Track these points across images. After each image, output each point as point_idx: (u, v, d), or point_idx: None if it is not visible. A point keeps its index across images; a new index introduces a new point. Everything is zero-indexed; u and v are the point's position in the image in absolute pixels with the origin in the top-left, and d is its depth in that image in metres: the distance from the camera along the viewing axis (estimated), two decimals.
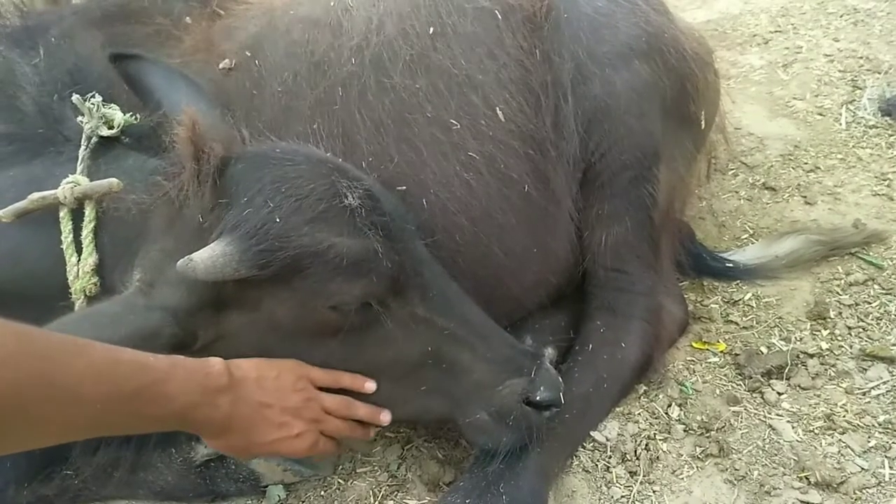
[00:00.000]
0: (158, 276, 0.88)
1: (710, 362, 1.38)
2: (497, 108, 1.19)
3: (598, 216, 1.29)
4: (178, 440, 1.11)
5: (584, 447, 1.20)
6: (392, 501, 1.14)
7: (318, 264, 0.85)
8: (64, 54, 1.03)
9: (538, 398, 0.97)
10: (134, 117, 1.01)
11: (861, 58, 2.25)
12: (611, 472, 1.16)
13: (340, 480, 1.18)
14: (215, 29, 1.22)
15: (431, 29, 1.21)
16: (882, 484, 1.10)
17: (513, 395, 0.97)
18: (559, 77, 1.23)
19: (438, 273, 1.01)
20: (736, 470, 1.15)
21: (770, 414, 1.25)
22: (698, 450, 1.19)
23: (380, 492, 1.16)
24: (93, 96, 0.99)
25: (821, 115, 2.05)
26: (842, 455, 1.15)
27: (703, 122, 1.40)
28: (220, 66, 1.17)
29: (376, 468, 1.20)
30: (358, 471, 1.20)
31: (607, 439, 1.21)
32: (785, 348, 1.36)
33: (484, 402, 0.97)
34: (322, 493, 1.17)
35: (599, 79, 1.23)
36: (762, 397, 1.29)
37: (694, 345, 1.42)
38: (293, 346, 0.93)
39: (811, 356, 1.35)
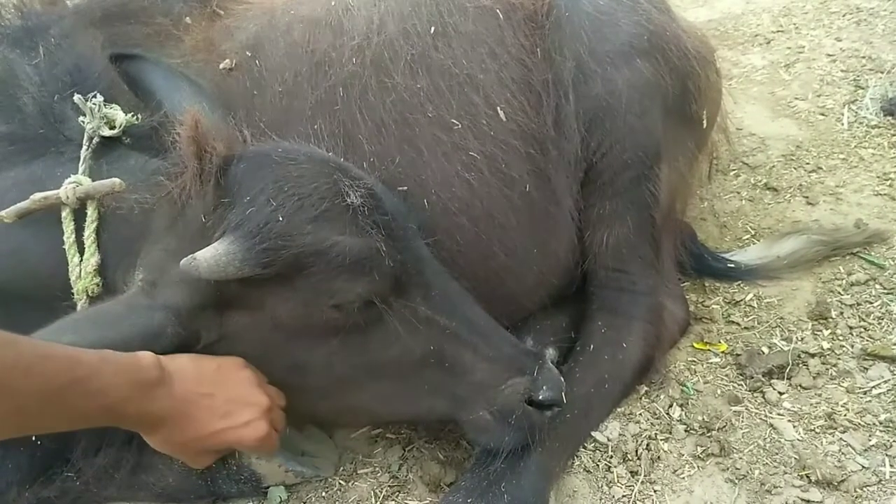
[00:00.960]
0: (161, 275, 0.88)
1: (711, 362, 1.38)
2: (498, 108, 1.19)
3: (599, 216, 1.28)
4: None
5: (585, 447, 1.20)
6: (393, 502, 1.14)
7: (320, 263, 0.85)
8: (64, 54, 1.03)
9: (540, 397, 0.97)
10: (135, 117, 1.01)
11: (863, 57, 2.24)
12: (612, 472, 1.16)
13: (342, 481, 1.18)
14: (215, 29, 1.22)
15: (432, 28, 1.21)
16: (882, 482, 1.10)
17: (515, 394, 0.97)
18: (560, 76, 1.23)
19: (440, 272, 1.01)
20: (737, 469, 1.15)
21: (771, 413, 1.25)
22: (699, 449, 1.19)
23: (381, 492, 1.16)
24: (94, 96, 0.98)
25: (823, 115, 2.05)
26: (842, 454, 1.15)
27: (704, 122, 1.40)
28: (221, 66, 1.17)
29: (377, 469, 1.20)
30: (359, 472, 1.20)
31: (608, 439, 1.21)
32: (786, 348, 1.36)
33: (486, 402, 0.98)
34: (323, 493, 1.17)
35: (601, 77, 1.23)
36: (763, 397, 1.29)
37: (695, 345, 1.42)
38: (295, 346, 0.93)
39: (812, 356, 1.35)
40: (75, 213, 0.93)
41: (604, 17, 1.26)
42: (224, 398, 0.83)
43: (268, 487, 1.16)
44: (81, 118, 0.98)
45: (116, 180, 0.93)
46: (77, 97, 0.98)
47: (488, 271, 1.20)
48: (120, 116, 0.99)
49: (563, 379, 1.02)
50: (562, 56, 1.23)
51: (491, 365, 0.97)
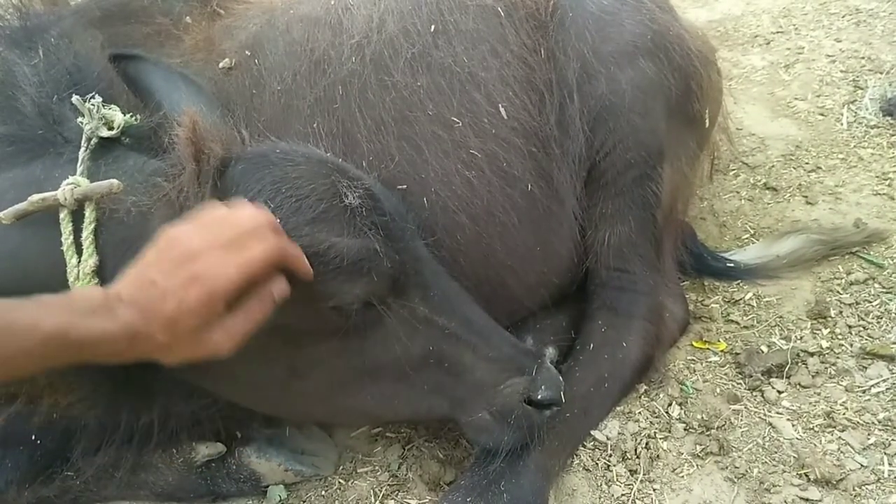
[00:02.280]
0: None
1: (710, 361, 1.38)
2: (500, 106, 1.19)
3: (601, 215, 1.28)
4: (179, 441, 1.11)
5: (584, 446, 1.20)
6: (393, 501, 1.15)
7: (318, 264, 0.85)
8: (63, 54, 1.02)
9: (539, 397, 0.97)
10: (134, 118, 1.01)
11: (863, 58, 2.24)
12: (611, 471, 1.16)
13: (341, 480, 1.19)
14: (215, 28, 1.22)
15: (433, 26, 1.20)
16: (881, 480, 1.10)
17: (514, 394, 0.97)
18: (564, 75, 1.22)
19: (439, 272, 1.01)
20: (736, 468, 1.15)
21: (770, 412, 1.25)
22: (698, 448, 1.19)
23: (381, 491, 1.16)
24: (92, 97, 0.98)
25: (822, 115, 2.05)
26: (841, 452, 1.16)
27: (706, 121, 1.40)
28: (220, 65, 1.16)
29: (377, 468, 1.20)
30: (359, 470, 1.20)
31: (608, 438, 1.21)
32: (785, 347, 1.36)
33: (485, 402, 0.98)
34: (323, 492, 1.17)
35: (605, 77, 1.22)
36: (762, 396, 1.29)
37: (695, 344, 1.42)
38: (294, 348, 0.93)
39: (811, 355, 1.35)
40: (73, 214, 0.93)
41: (608, 17, 1.25)
42: (173, 264, 0.69)
43: (267, 486, 1.16)
44: (80, 119, 0.97)
45: (115, 181, 0.92)
46: (75, 98, 0.97)
47: (489, 270, 1.20)
48: (118, 117, 0.98)
49: (561, 378, 1.02)
50: (566, 56, 1.23)
51: (490, 365, 0.97)
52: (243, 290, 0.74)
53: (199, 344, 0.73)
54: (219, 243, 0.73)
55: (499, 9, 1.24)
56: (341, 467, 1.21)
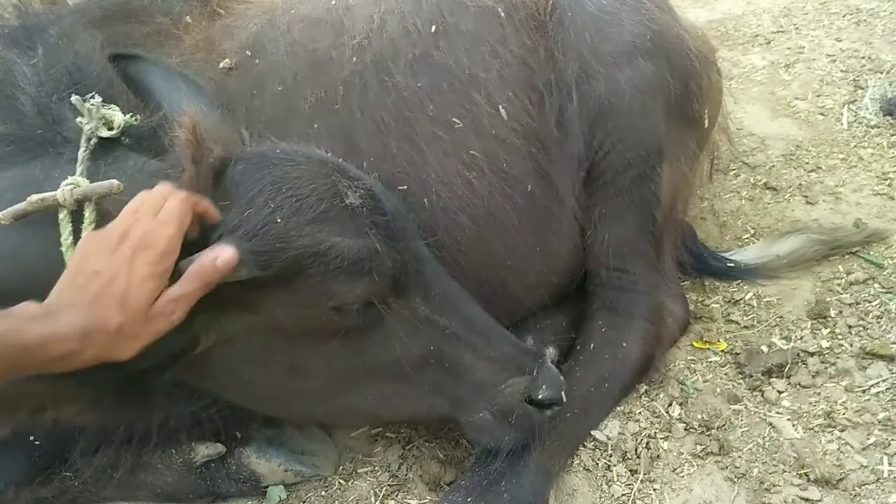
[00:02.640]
0: None
1: (710, 361, 1.38)
2: (500, 107, 1.19)
3: (600, 215, 1.29)
4: (178, 441, 1.11)
5: (585, 446, 1.20)
6: (393, 501, 1.15)
7: (319, 264, 0.85)
8: (63, 54, 1.02)
9: (540, 397, 0.97)
10: (134, 118, 1.01)
11: (863, 58, 2.25)
12: (612, 471, 1.16)
13: (341, 480, 1.19)
14: (215, 28, 1.21)
15: (433, 27, 1.20)
16: (881, 480, 1.11)
17: (515, 393, 0.97)
18: (564, 75, 1.22)
19: (440, 272, 1.01)
20: (736, 468, 1.15)
21: (770, 412, 1.25)
22: (699, 448, 1.19)
23: (381, 492, 1.16)
24: (92, 97, 0.98)
25: (822, 115, 2.05)
26: (841, 452, 1.16)
27: (706, 121, 1.40)
28: (221, 65, 1.16)
29: (377, 468, 1.20)
30: (359, 471, 1.20)
31: (608, 438, 1.21)
32: (785, 347, 1.36)
33: (486, 401, 0.98)
34: (323, 493, 1.17)
35: (604, 77, 1.23)
36: (762, 396, 1.29)
37: (695, 344, 1.42)
38: (295, 348, 0.93)
39: (811, 355, 1.35)
40: (73, 214, 0.93)
41: (607, 17, 1.26)
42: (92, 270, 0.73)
43: (267, 487, 1.16)
44: (79, 119, 0.97)
45: (115, 182, 0.92)
46: (75, 98, 0.97)
47: (489, 270, 1.20)
48: (118, 117, 0.98)
49: (562, 378, 1.02)
50: (565, 56, 1.23)
51: (491, 364, 0.97)
52: (182, 254, 0.79)
53: (153, 317, 0.76)
54: (142, 216, 0.78)
55: (499, 10, 1.24)
56: (341, 467, 1.21)
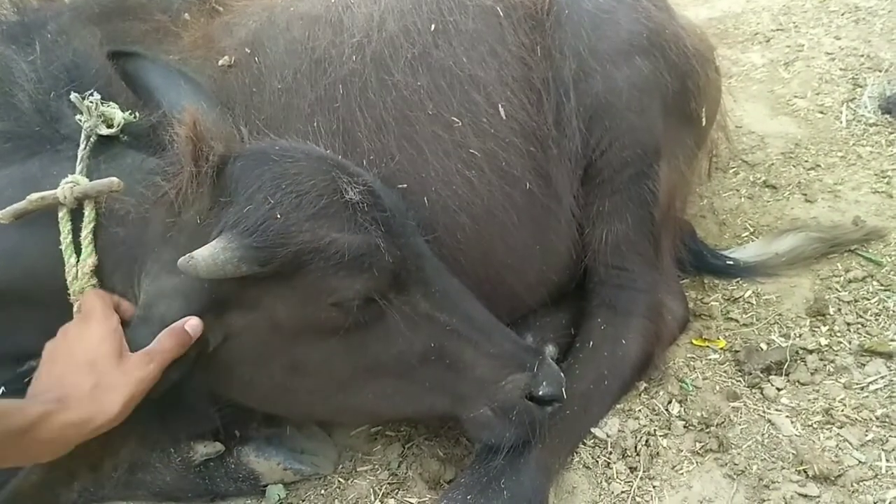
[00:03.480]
0: (156, 293, 0.88)
1: (710, 359, 1.38)
2: (499, 106, 1.19)
3: (599, 213, 1.29)
4: (177, 440, 1.11)
5: (584, 443, 1.21)
6: (393, 500, 1.14)
7: (319, 260, 0.85)
8: (61, 51, 1.02)
9: (541, 393, 0.98)
10: (133, 115, 1.00)
11: (862, 56, 2.25)
12: (611, 468, 1.16)
13: (341, 479, 1.18)
14: (214, 25, 1.21)
15: (433, 26, 1.20)
16: (879, 476, 1.11)
17: (515, 389, 0.97)
18: (561, 74, 1.23)
19: (440, 269, 1.01)
20: (735, 465, 1.16)
21: (769, 409, 1.25)
22: (698, 445, 1.19)
23: (380, 490, 1.16)
24: (91, 94, 0.97)
25: (821, 113, 2.06)
26: (840, 449, 1.16)
27: (704, 120, 1.40)
28: (220, 62, 1.16)
29: (377, 466, 1.20)
30: (358, 469, 1.20)
31: (608, 435, 1.21)
32: (784, 344, 1.37)
33: (487, 398, 0.98)
34: (322, 491, 1.17)
35: (601, 75, 1.23)
36: (761, 393, 1.29)
37: (694, 342, 1.42)
38: (296, 346, 0.93)
39: (810, 352, 1.35)
40: (72, 213, 0.93)
41: (604, 16, 1.26)
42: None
43: (266, 485, 1.16)
44: (78, 116, 0.97)
45: (115, 179, 0.92)
46: (74, 95, 0.97)
47: (489, 269, 1.20)
48: (118, 115, 0.98)
49: (562, 375, 1.02)
50: (562, 54, 1.23)
51: (491, 361, 0.97)
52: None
53: (129, 370, 0.83)
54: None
55: (498, 9, 1.24)
56: (341, 466, 1.21)
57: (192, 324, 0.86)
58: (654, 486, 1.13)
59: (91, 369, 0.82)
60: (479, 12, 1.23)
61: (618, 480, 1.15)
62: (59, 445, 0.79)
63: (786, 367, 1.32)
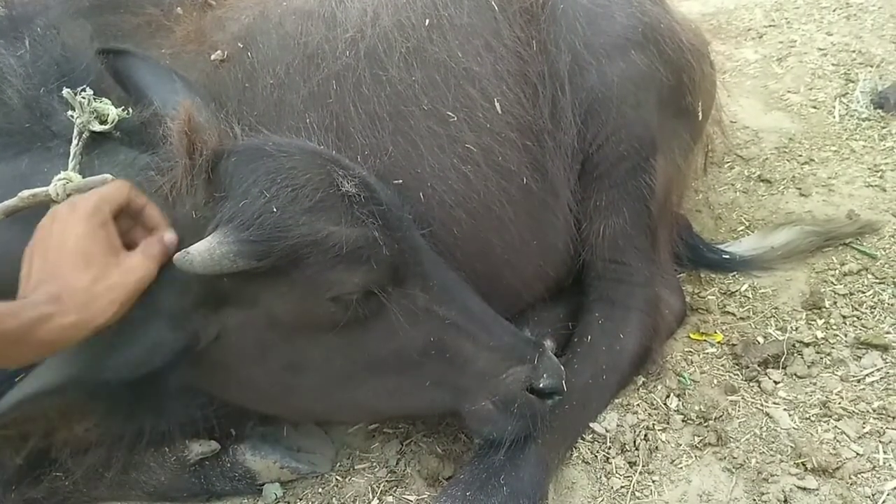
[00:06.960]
0: (151, 287, 0.85)
1: (707, 353, 1.39)
2: (495, 100, 1.18)
3: (596, 207, 1.29)
4: (172, 439, 1.10)
5: (583, 438, 1.20)
6: (391, 497, 1.14)
7: (316, 253, 0.84)
8: (50, 45, 1.00)
9: (542, 385, 0.97)
10: (125, 111, 0.99)
11: (854, 51, 2.27)
12: (610, 463, 1.16)
13: (338, 477, 1.18)
14: (207, 20, 1.20)
15: (427, 21, 1.20)
16: (876, 468, 1.11)
17: (517, 382, 0.97)
18: (556, 68, 1.23)
19: (438, 262, 1.00)
20: (734, 458, 1.16)
21: (767, 402, 1.26)
22: (696, 439, 1.20)
23: (378, 488, 1.15)
24: (83, 90, 0.96)
25: (815, 108, 2.07)
26: (837, 441, 1.16)
27: (699, 114, 1.40)
28: (212, 57, 1.15)
29: (375, 464, 1.20)
30: (356, 467, 1.19)
31: (606, 430, 1.21)
32: (781, 338, 1.37)
33: (488, 391, 0.97)
34: (320, 490, 1.16)
35: (596, 69, 1.23)
36: (759, 386, 1.30)
37: (692, 336, 1.43)
38: (294, 342, 0.92)
39: (807, 345, 1.36)
40: None
41: (599, 10, 1.26)
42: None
43: (263, 484, 1.15)
44: (70, 112, 0.95)
45: (108, 176, 0.90)
46: (66, 91, 0.95)
47: (486, 264, 1.20)
48: (112, 111, 0.96)
49: (562, 367, 1.01)
50: (557, 48, 1.23)
51: (492, 354, 0.97)
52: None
53: (129, 269, 0.79)
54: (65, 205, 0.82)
55: (493, 3, 1.24)
56: (338, 464, 1.20)
57: (169, 237, 0.83)
58: (653, 481, 1.13)
59: (87, 263, 0.76)
60: (474, 6, 1.23)
61: (617, 475, 1.14)
62: (58, 346, 0.74)
63: (783, 360, 1.33)
